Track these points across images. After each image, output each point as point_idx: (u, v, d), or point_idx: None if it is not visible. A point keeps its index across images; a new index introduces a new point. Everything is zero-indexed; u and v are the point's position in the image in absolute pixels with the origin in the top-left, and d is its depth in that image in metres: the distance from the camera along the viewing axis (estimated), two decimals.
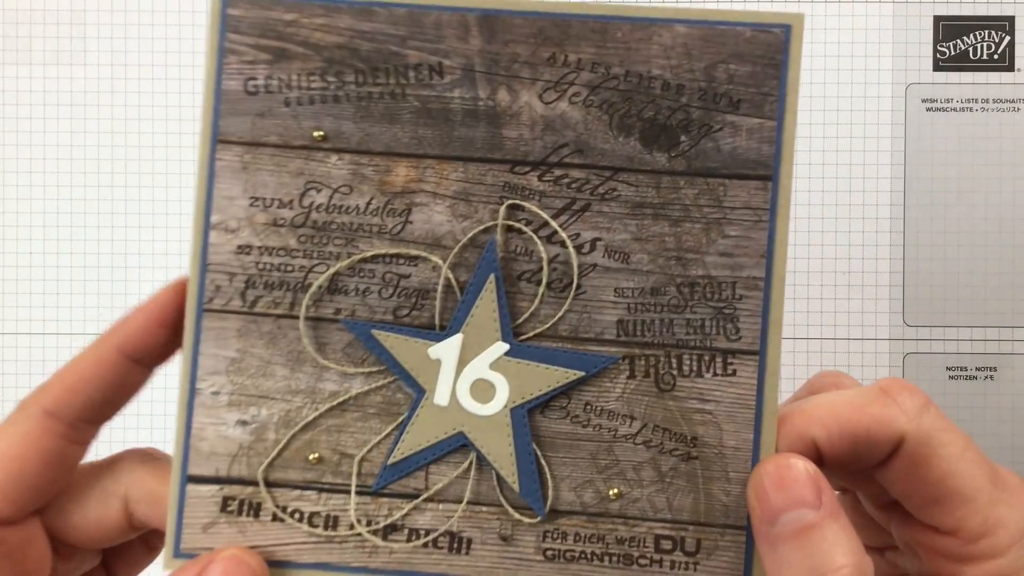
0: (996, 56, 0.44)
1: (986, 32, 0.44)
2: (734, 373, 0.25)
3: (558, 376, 0.25)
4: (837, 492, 0.29)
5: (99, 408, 0.26)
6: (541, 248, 0.25)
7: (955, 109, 0.44)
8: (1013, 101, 0.44)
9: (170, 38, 0.46)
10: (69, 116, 0.46)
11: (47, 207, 0.46)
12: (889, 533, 0.28)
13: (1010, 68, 0.44)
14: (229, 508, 0.26)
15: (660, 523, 0.25)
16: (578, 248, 0.25)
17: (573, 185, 0.25)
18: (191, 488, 0.26)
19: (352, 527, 0.25)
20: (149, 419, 0.46)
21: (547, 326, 0.25)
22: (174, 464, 0.26)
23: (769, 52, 0.25)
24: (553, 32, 0.25)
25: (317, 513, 0.26)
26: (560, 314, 0.25)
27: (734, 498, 0.25)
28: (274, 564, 0.26)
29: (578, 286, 0.25)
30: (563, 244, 0.25)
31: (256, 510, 0.26)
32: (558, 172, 0.25)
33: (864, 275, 0.44)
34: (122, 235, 0.46)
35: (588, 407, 0.25)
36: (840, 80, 0.44)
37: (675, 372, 0.25)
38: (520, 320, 0.25)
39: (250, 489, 0.26)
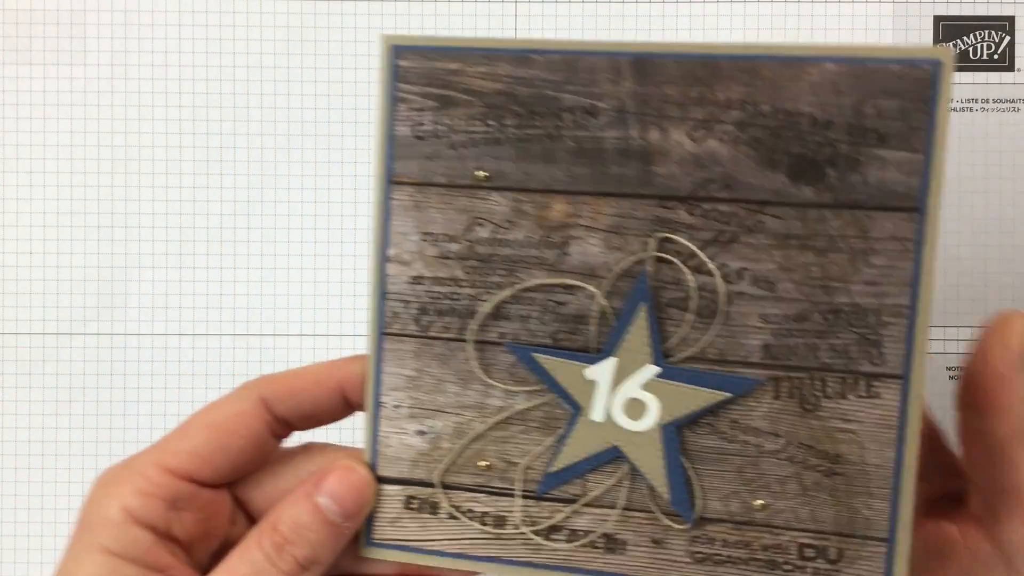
0: (996, 56, 0.44)
1: (986, 32, 0.44)
2: (877, 395, 0.27)
3: (706, 396, 0.28)
4: None
5: (303, 417, 0.31)
6: (690, 278, 0.28)
7: (955, 109, 0.44)
8: (1013, 101, 0.44)
9: (170, 38, 0.46)
10: (69, 116, 0.46)
11: (47, 207, 0.47)
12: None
13: (1010, 68, 0.44)
14: (412, 505, 0.30)
15: (803, 532, 0.28)
16: (725, 277, 0.27)
17: (721, 218, 0.27)
18: (380, 488, 0.30)
19: (517, 527, 0.29)
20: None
21: (696, 350, 0.28)
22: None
23: (918, 87, 0.26)
24: (702, 73, 0.27)
25: (487, 513, 0.29)
26: (708, 339, 0.28)
27: (876, 511, 0.27)
28: (451, 555, 0.30)
29: (726, 313, 0.27)
30: (711, 274, 0.27)
31: (434, 508, 0.30)
32: (706, 206, 0.27)
33: None
34: (122, 235, 0.46)
35: (734, 424, 0.28)
36: None
37: (819, 394, 0.27)
38: (670, 344, 0.28)
39: (429, 490, 0.30)
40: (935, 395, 0.42)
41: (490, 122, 0.28)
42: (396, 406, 0.30)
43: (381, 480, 0.30)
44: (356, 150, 0.46)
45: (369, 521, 0.30)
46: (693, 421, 0.28)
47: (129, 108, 0.46)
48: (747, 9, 0.45)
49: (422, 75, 0.29)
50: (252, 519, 0.31)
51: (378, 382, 0.30)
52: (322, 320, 0.46)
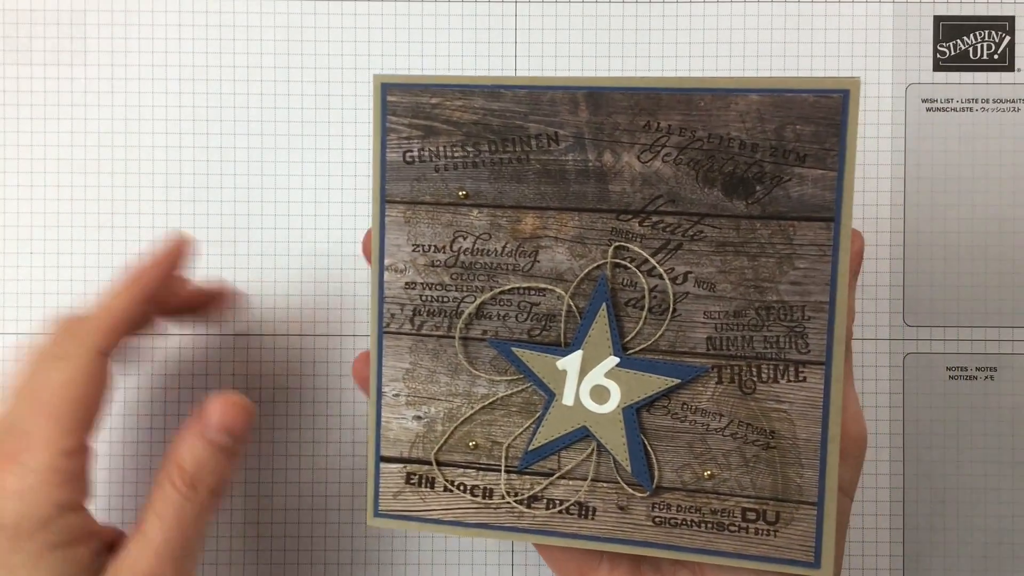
0: (996, 56, 0.49)
1: (986, 32, 0.49)
2: (804, 380, 0.35)
3: (659, 383, 0.36)
4: None
5: (128, 339, 0.41)
6: (643, 280, 0.36)
7: (955, 109, 0.49)
8: (1013, 101, 0.49)
9: (170, 38, 0.51)
10: (69, 116, 0.51)
11: (47, 207, 0.51)
12: None
13: (1010, 68, 0.49)
14: (411, 481, 0.39)
15: (746, 498, 0.36)
16: (673, 280, 0.36)
17: (667, 229, 0.36)
18: (383, 466, 0.39)
19: (503, 497, 0.38)
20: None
21: (650, 342, 0.36)
22: (369, 448, 0.39)
23: (830, 114, 0.34)
24: (647, 104, 0.35)
25: (477, 486, 0.38)
26: (660, 333, 0.36)
27: (807, 479, 0.35)
28: (447, 523, 0.39)
29: (674, 310, 0.36)
30: (661, 277, 0.36)
31: (431, 483, 0.39)
32: (655, 218, 0.36)
33: (864, 275, 0.49)
34: (122, 235, 0.51)
35: (685, 406, 0.36)
36: None
37: (755, 379, 0.36)
38: (628, 338, 0.37)
39: (426, 467, 0.39)
40: (935, 395, 0.51)
41: (468, 148, 0.37)
42: (395, 395, 0.39)
43: (385, 460, 0.39)
44: (356, 150, 0.51)
45: (375, 495, 0.39)
46: (650, 404, 0.37)
47: (129, 108, 0.51)
48: (747, 9, 0.51)
49: (408, 108, 0.37)
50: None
51: (379, 374, 0.39)
52: (322, 320, 0.51)
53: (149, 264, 0.41)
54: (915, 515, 0.50)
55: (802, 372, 0.35)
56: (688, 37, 0.51)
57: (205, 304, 0.46)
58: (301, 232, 0.51)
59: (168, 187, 0.51)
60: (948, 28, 0.50)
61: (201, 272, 0.51)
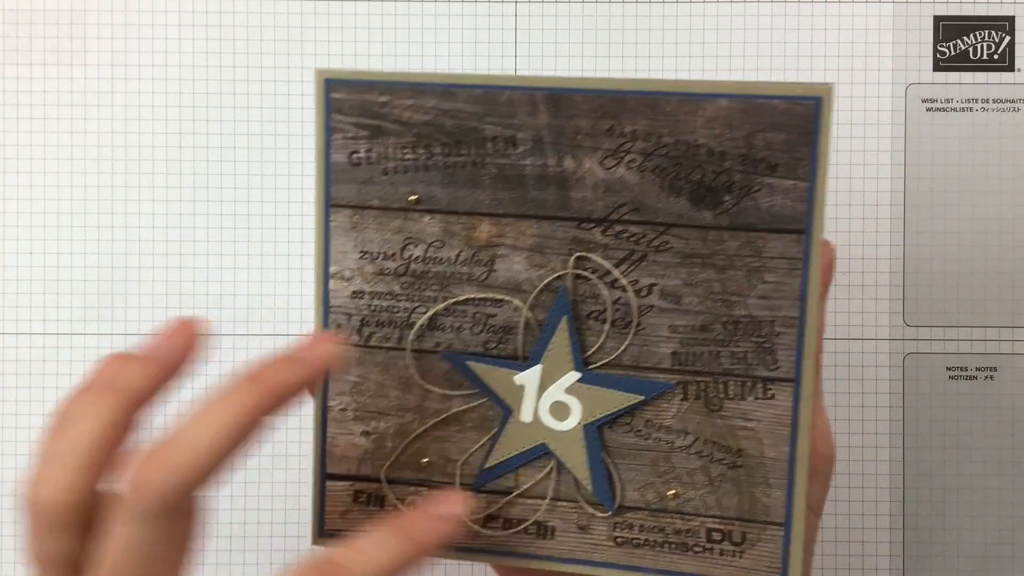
0: (996, 56, 0.49)
1: (986, 32, 0.49)
2: (772, 397, 0.34)
3: (622, 399, 0.35)
4: None
5: None
6: (605, 292, 0.35)
7: (955, 109, 0.50)
8: (1013, 101, 0.50)
9: (170, 38, 0.52)
10: (69, 116, 0.51)
11: (47, 207, 0.52)
12: None
13: (1010, 68, 0.49)
14: (360, 499, 0.37)
15: (711, 518, 0.35)
16: (637, 292, 0.34)
17: (631, 238, 0.34)
18: (329, 484, 0.37)
19: None
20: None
21: (612, 357, 0.35)
22: (314, 464, 0.38)
23: (802, 122, 0.32)
24: (610, 107, 0.33)
25: None
26: (623, 347, 0.35)
27: (774, 499, 0.35)
28: None
29: (638, 324, 0.35)
30: (624, 289, 0.34)
31: (380, 501, 0.37)
32: (618, 228, 0.34)
33: (864, 275, 0.50)
34: (122, 235, 0.52)
35: (649, 423, 0.35)
36: (840, 80, 0.50)
37: (722, 395, 0.34)
38: (589, 352, 0.35)
39: (375, 485, 0.37)
40: (935, 395, 0.51)
41: (419, 150, 0.35)
42: (342, 409, 0.37)
43: (331, 477, 0.37)
44: None
45: (320, 514, 0.38)
46: (612, 421, 0.35)
47: (129, 108, 0.52)
48: (747, 9, 0.50)
49: (354, 106, 0.35)
50: None
51: (326, 388, 0.37)
52: None
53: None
54: (915, 515, 0.50)
55: (770, 389, 0.34)
56: (688, 37, 0.51)
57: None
58: (301, 232, 0.52)
59: (168, 187, 0.52)
60: (948, 28, 0.50)
61: (201, 272, 0.52)
